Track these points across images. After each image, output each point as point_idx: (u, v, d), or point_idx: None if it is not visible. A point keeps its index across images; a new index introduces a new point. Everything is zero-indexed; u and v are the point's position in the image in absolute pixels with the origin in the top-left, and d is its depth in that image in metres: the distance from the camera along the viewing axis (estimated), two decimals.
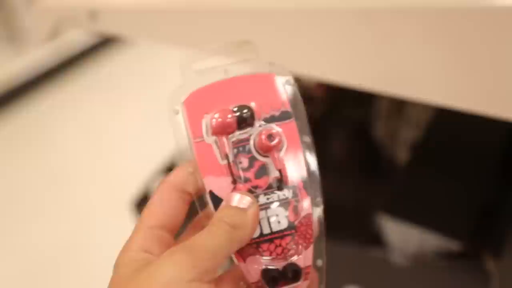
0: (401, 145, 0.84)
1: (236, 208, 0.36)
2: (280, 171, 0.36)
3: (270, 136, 0.36)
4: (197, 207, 0.38)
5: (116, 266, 0.36)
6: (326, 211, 0.86)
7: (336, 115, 0.93)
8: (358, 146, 0.91)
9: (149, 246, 0.36)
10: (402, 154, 0.83)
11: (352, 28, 0.53)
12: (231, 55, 0.39)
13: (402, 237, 0.65)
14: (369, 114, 0.89)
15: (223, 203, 0.36)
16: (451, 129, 0.77)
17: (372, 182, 0.84)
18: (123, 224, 0.38)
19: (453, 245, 0.64)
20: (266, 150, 0.37)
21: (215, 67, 0.39)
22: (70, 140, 1.71)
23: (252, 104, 0.37)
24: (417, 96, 0.54)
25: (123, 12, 0.62)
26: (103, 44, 2.03)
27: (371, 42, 0.53)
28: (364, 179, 0.86)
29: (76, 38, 1.95)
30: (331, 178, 0.89)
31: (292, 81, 0.39)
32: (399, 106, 0.87)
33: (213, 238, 0.34)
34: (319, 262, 0.38)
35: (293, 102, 0.38)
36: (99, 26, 0.62)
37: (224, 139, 0.37)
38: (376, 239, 0.68)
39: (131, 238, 0.37)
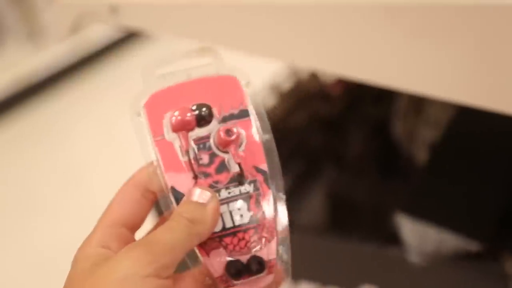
0: (419, 144, 0.84)
1: (196, 203, 0.36)
2: (239, 164, 0.37)
3: (229, 131, 0.37)
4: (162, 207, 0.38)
5: (74, 262, 0.36)
6: (342, 209, 0.85)
7: (354, 114, 0.93)
8: (376, 145, 0.90)
9: (108, 242, 0.36)
10: (420, 154, 0.83)
11: (374, 24, 0.53)
12: (193, 61, 0.40)
13: (420, 236, 0.65)
14: (387, 112, 0.89)
15: (183, 198, 0.36)
16: (470, 129, 0.76)
17: (390, 181, 0.84)
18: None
19: (471, 246, 0.63)
20: (225, 145, 0.37)
21: (177, 71, 0.40)
22: (89, 137, 1.72)
23: (211, 103, 0.38)
24: (438, 93, 0.53)
25: (144, 6, 0.62)
26: (124, 40, 2.04)
27: (392, 38, 0.53)
28: (381, 178, 0.86)
29: (96, 34, 1.96)
30: (348, 177, 0.89)
31: (251, 83, 0.40)
32: (418, 105, 0.86)
33: (171, 233, 0.35)
34: (285, 256, 0.38)
35: (253, 102, 0.39)
36: (120, 20, 0.63)
37: (184, 136, 0.37)
38: (393, 238, 0.67)
39: (90, 234, 0.37)
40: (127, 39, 2.04)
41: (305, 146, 0.90)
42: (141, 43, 2.05)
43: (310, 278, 0.67)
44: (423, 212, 0.65)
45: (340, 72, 0.60)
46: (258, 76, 1.05)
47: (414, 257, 0.65)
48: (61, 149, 1.70)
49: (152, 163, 0.38)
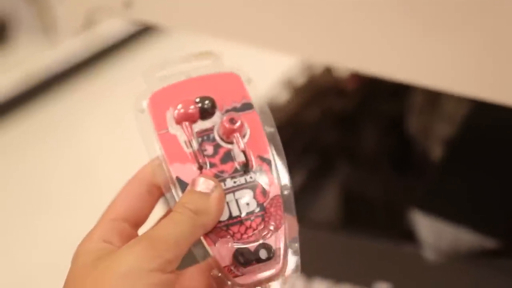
0: (434, 140, 0.83)
1: (199, 192, 0.36)
2: (244, 153, 0.37)
3: (232, 120, 0.37)
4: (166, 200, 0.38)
5: (75, 256, 0.35)
6: (356, 205, 0.85)
7: (368, 109, 0.92)
8: (390, 140, 0.90)
9: (110, 237, 0.36)
10: (435, 150, 0.82)
11: (389, 16, 0.52)
12: (193, 64, 0.41)
13: (435, 233, 0.64)
14: (402, 108, 0.88)
15: (187, 188, 0.36)
16: (486, 125, 0.75)
17: (404, 177, 0.83)
18: (152, 217, 0.38)
19: (487, 243, 0.63)
20: (229, 135, 0.38)
21: (178, 73, 0.40)
22: (102, 133, 1.72)
23: (214, 98, 0.39)
24: (454, 88, 0.53)
25: (158, 0, 0.62)
26: (137, 35, 2.04)
27: (408, 31, 0.53)
28: (396, 174, 0.85)
29: (109, 29, 1.96)
30: (362, 173, 0.88)
31: (252, 80, 0.40)
32: (433, 100, 0.85)
33: (175, 226, 0.34)
34: (293, 245, 0.38)
35: (255, 98, 0.39)
36: (134, 15, 0.62)
37: (187, 127, 0.38)
38: (407, 235, 0.67)
39: (92, 229, 0.37)
40: (140, 34, 2.04)
41: (319, 142, 0.90)
42: (155, 38, 2.04)
43: (324, 275, 0.66)
44: (438, 209, 0.64)
45: (355, 66, 0.60)
46: (272, 71, 1.05)
47: (429, 254, 0.64)
48: (74, 144, 1.70)
49: (156, 158, 0.38)
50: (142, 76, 0.40)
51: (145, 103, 0.39)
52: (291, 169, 0.85)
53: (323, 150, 0.89)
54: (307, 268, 0.67)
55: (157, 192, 0.38)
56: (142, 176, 0.38)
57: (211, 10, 0.60)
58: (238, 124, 0.37)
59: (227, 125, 0.37)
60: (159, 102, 0.39)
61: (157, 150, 0.38)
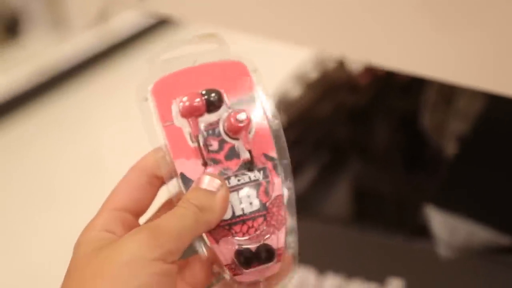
0: (448, 137, 0.82)
1: (205, 190, 0.36)
2: (250, 151, 0.37)
3: (239, 118, 0.37)
4: (167, 190, 0.38)
5: (77, 246, 0.35)
6: (368, 201, 0.84)
7: (381, 104, 0.91)
8: (403, 136, 0.89)
9: (112, 226, 0.36)
10: (449, 147, 0.81)
11: (404, 9, 0.52)
12: (198, 47, 0.40)
13: (450, 229, 0.64)
14: (415, 104, 0.87)
15: (192, 185, 0.36)
16: (500, 121, 0.75)
17: (417, 174, 0.83)
18: (152, 207, 0.39)
19: (502, 239, 0.62)
20: (235, 132, 0.37)
21: (182, 56, 0.39)
22: (114, 127, 1.72)
23: (220, 89, 0.38)
24: (469, 82, 0.52)
25: None
26: (150, 29, 2.04)
27: (423, 24, 0.52)
28: (408, 171, 0.84)
29: (121, 23, 1.96)
30: (374, 168, 0.88)
31: (258, 70, 0.39)
32: (447, 96, 0.85)
33: (178, 219, 0.34)
34: (293, 245, 0.38)
35: (261, 89, 0.39)
36: (148, 7, 0.62)
37: (193, 121, 0.37)
38: (420, 231, 0.66)
39: (94, 219, 0.37)
40: (152, 28, 2.04)
41: (331, 137, 0.89)
42: (167, 33, 2.04)
43: (336, 270, 0.66)
44: (452, 205, 0.64)
45: (369, 59, 0.60)
46: (285, 66, 1.05)
47: (443, 250, 0.64)
48: (86, 138, 1.71)
49: (160, 148, 0.37)
50: (146, 59, 0.39)
51: (149, 91, 0.38)
52: (303, 163, 0.85)
53: (335, 145, 0.89)
54: (319, 263, 0.67)
55: (158, 182, 0.38)
56: (143, 166, 0.38)
57: (226, 2, 0.60)
58: (244, 121, 0.37)
59: (234, 122, 0.37)
60: (163, 91, 0.38)
61: (161, 141, 0.37)
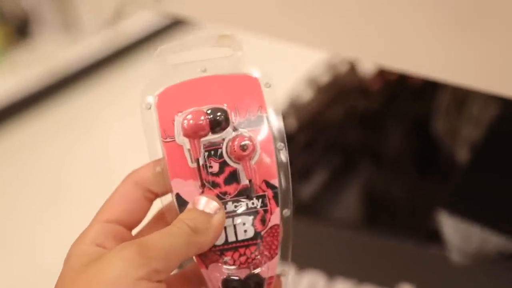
0: (461, 143, 0.81)
1: (201, 212, 0.35)
2: (250, 180, 0.36)
3: (243, 146, 0.35)
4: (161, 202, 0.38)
5: (66, 260, 0.35)
6: (379, 206, 0.84)
7: (392, 109, 0.91)
8: (415, 142, 0.88)
9: (103, 240, 0.35)
10: (462, 152, 0.81)
11: (420, 10, 0.51)
12: (211, 49, 0.38)
13: (462, 235, 0.63)
14: (427, 109, 0.87)
15: (188, 206, 0.35)
16: None
17: (430, 178, 0.82)
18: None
19: None
20: (238, 158, 0.36)
21: (193, 62, 0.37)
22: (125, 129, 1.72)
23: (226, 106, 0.36)
24: (485, 87, 0.52)
25: None
26: (161, 31, 2.04)
27: (439, 27, 0.52)
28: (420, 176, 0.84)
29: (132, 26, 1.96)
30: (385, 173, 0.87)
31: (271, 83, 0.37)
32: (460, 102, 0.84)
33: (169, 238, 0.33)
34: (284, 274, 0.38)
35: (272, 107, 0.37)
36: (164, 7, 0.62)
37: (195, 142, 0.36)
38: (432, 237, 0.65)
39: (85, 230, 0.36)
40: (164, 30, 2.04)
41: (342, 141, 0.89)
42: (179, 35, 2.04)
43: (346, 274, 0.65)
44: (466, 210, 0.63)
45: (383, 62, 0.59)
46: (296, 69, 1.04)
47: (455, 256, 0.63)
48: (95, 140, 1.71)
49: (158, 162, 0.36)
50: (155, 58, 0.37)
51: (153, 100, 0.37)
52: (314, 167, 0.84)
53: (346, 149, 0.88)
54: (329, 267, 0.67)
55: (153, 196, 0.37)
56: (140, 179, 0.37)
57: (241, 3, 0.59)
58: (248, 150, 0.35)
59: (237, 150, 0.35)
60: (167, 103, 0.37)
61: (159, 155, 0.36)
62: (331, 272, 0.66)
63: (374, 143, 0.88)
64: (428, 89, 0.88)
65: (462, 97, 0.84)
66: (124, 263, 0.32)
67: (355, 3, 0.54)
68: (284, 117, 0.89)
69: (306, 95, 0.94)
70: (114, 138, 1.71)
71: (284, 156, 0.37)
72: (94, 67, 1.91)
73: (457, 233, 0.63)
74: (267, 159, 0.36)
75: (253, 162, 0.36)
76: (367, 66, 0.97)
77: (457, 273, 0.62)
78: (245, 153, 0.35)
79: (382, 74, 0.94)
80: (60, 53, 1.87)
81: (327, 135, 0.89)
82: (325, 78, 0.95)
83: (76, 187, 1.53)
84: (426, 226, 0.68)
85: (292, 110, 0.90)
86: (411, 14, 0.52)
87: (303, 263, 0.67)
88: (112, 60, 1.94)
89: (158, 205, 0.38)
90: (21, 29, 1.87)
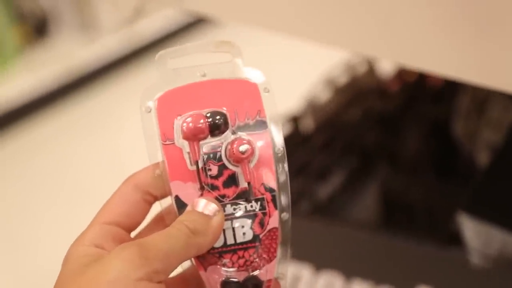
0: (481, 146, 0.81)
1: (200, 213, 0.35)
2: (249, 183, 0.36)
3: (242, 149, 0.36)
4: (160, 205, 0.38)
5: (65, 261, 0.35)
6: (397, 208, 0.83)
7: (411, 111, 0.90)
8: (434, 144, 0.88)
9: (102, 241, 0.35)
10: (482, 156, 0.80)
11: (441, 9, 0.51)
12: (210, 55, 0.39)
13: (483, 238, 0.62)
14: (446, 111, 0.86)
15: (188, 208, 0.36)
16: None
17: (449, 181, 0.81)
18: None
19: None
20: (236, 161, 0.36)
21: (193, 67, 0.38)
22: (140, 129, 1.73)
23: (225, 110, 0.37)
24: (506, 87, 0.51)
25: None
26: (178, 32, 2.04)
27: (463, 26, 0.51)
28: (440, 178, 0.83)
29: (149, 26, 1.97)
30: (403, 176, 0.86)
31: (269, 88, 0.38)
32: (480, 105, 0.83)
33: (168, 239, 0.34)
34: (283, 276, 0.38)
35: (270, 112, 0.37)
36: (185, 5, 0.62)
37: (195, 145, 0.36)
38: (453, 239, 0.65)
39: (84, 232, 0.36)
40: (182, 30, 2.04)
41: (359, 142, 0.88)
42: (196, 36, 2.04)
43: (363, 276, 0.65)
44: (486, 213, 0.62)
45: (403, 61, 0.59)
46: (314, 70, 1.04)
47: (475, 259, 0.62)
48: (112, 139, 1.71)
49: (157, 165, 0.37)
50: (155, 62, 0.38)
51: (153, 104, 0.37)
52: (331, 168, 0.84)
53: (364, 150, 0.88)
54: (346, 268, 0.66)
55: (153, 199, 0.38)
56: (139, 181, 0.37)
57: (262, 1, 0.59)
58: (246, 153, 0.36)
59: (236, 152, 0.36)
60: (167, 106, 0.37)
61: (159, 157, 0.37)
62: (348, 273, 0.65)
63: (392, 144, 0.87)
64: (447, 91, 0.87)
65: (482, 99, 0.83)
66: (124, 263, 0.32)
67: (375, 0, 0.54)
68: (302, 117, 0.90)
69: (324, 96, 0.93)
70: (131, 137, 1.71)
71: (282, 160, 0.37)
72: (111, 66, 1.92)
73: (478, 236, 0.62)
74: (265, 163, 0.37)
75: (251, 165, 0.36)
76: (386, 68, 0.96)
77: (477, 276, 0.61)
78: (244, 156, 0.36)
79: (401, 75, 0.93)
80: (78, 52, 1.88)
81: (345, 136, 0.88)
82: (343, 79, 0.95)
83: (92, 186, 1.53)
84: (445, 228, 0.67)
85: (310, 110, 0.89)
86: (431, 12, 0.52)
87: (320, 263, 0.66)
88: (130, 59, 1.95)
89: (157, 208, 0.39)
90: (40, 28, 1.88)
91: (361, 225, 0.74)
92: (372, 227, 0.75)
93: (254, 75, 0.38)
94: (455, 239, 0.64)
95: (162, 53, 0.38)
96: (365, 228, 0.72)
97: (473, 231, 0.62)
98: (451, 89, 0.86)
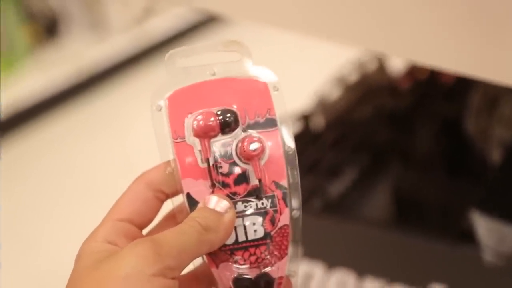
0: (493, 144, 0.80)
1: (212, 210, 0.35)
2: (260, 180, 0.36)
3: (253, 145, 0.36)
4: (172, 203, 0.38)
5: (78, 257, 0.35)
6: (409, 205, 0.83)
7: (422, 109, 0.90)
8: (445, 142, 0.87)
9: (114, 237, 0.36)
10: (494, 153, 0.79)
11: (453, 6, 0.51)
12: (219, 54, 0.39)
13: (496, 236, 0.62)
14: (458, 109, 0.86)
15: (199, 205, 0.36)
16: None
17: (461, 179, 0.81)
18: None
19: None
20: (247, 158, 0.36)
21: (202, 66, 0.38)
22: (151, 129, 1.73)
23: (235, 108, 0.37)
24: None
25: None
26: (188, 31, 2.04)
27: (474, 24, 0.51)
28: (451, 176, 0.83)
29: (159, 25, 1.97)
30: (415, 173, 0.86)
31: (279, 86, 0.38)
32: (492, 102, 0.83)
33: (181, 235, 0.34)
34: (294, 274, 0.38)
35: (280, 110, 0.38)
36: (195, 3, 0.62)
37: (205, 142, 0.36)
38: (465, 237, 0.64)
39: (96, 229, 0.36)
40: (192, 30, 2.04)
41: (370, 140, 0.88)
42: (207, 35, 2.04)
43: (375, 274, 0.65)
44: (499, 211, 0.62)
45: (414, 58, 0.58)
46: (325, 67, 1.04)
47: (489, 257, 0.62)
48: (123, 139, 1.72)
49: (169, 163, 0.37)
50: (165, 62, 0.38)
51: (163, 102, 0.38)
52: (342, 166, 0.84)
53: (375, 148, 0.87)
54: (359, 266, 0.66)
55: (164, 197, 0.38)
56: (151, 179, 0.38)
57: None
58: (258, 150, 0.36)
59: (246, 149, 0.36)
60: (178, 104, 0.37)
61: (171, 155, 0.37)
62: (361, 271, 0.65)
63: (403, 142, 0.87)
64: (459, 88, 0.87)
65: (494, 97, 0.82)
66: (138, 259, 0.32)
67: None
68: (312, 115, 0.90)
69: (335, 93, 0.93)
70: (141, 136, 1.71)
71: (293, 157, 0.37)
72: (121, 65, 1.92)
73: (491, 234, 0.62)
74: (276, 160, 0.37)
75: (262, 162, 0.37)
76: (397, 65, 0.96)
77: (491, 274, 0.61)
78: (254, 154, 0.36)
79: (412, 72, 0.93)
80: (87, 52, 1.88)
81: (356, 134, 0.88)
82: (353, 77, 0.94)
83: (102, 185, 1.53)
84: (457, 226, 0.67)
85: (320, 108, 0.89)
86: (442, 8, 0.51)
87: (332, 261, 0.66)
88: (140, 59, 1.95)
89: (168, 205, 0.39)
90: (50, 28, 1.89)
91: (373, 223, 0.74)
92: (384, 225, 0.75)
93: (263, 73, 0.39)
94: (468, 237, 0.64)
95: (171, 53, 0.38)
96: (377, 226, 0.72)
97: (486, 228, 0.62)
98: (462, 86, 0.85)
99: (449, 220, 0.71)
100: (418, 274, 0.64)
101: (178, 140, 0.37)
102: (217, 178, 0.36)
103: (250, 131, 0.37)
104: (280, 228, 0.37)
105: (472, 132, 0.83)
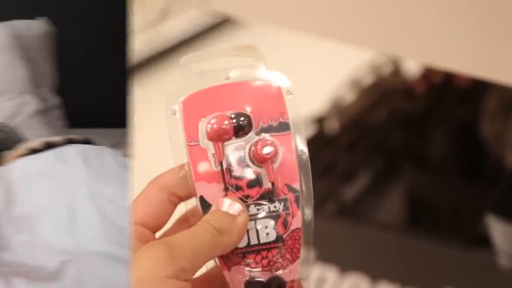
0: (509, 147, 0.80)
1: (225, 213, 0.35)
2: (272, 183, 0.36)
3: (266, 149, 0.36)
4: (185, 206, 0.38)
5: None
6: (423, 209, 0.82)
7: (437, 112, 0.89)
8: (461, 146, 0.87)
9: None
10: (510, 157, 0.79)
11: (467, 11, 0.50)
12: (233, 59, 0.39)
13: (511, 240, 0.61)
14: (475, 112, 0.85)
15: (213, 207, 0.36)
16: None
17: (476, 183, 0.80)
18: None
19: None
20: (260, 161, 0.36)
21: (216, 70, 0.38)
22: (164, 131, 1.73)
23: (249, 111, 0.37)
24: None
25: None
26: (204, 33, 2.04)
27: (489, 27, 0.50)
28: (467, 180, 0.82)
29: (173, 28, 1.98)
30: (429, 177, 0.85)
31: (292, 90, 0.38)
32: (507, 105, 0.82)
33: (195, 238, 0.34)
34: (306, 278, 0.38)
35: (293, 114, 0.38)
36: (212, 6, 0.62)
37: (219, 145, 0.36)
38: (480, 241, 0.64)
39: None
40: (203, 34, 2.05)
41: (385, 143, 0.88)
42: (221, 38, 2.04)
43: (389, 278, 0.64)
44: None
45: (431, 61, 0.58)
46: (339, 70, 1.03)
47: (504, 261, 0.61)
48: (137, 141, 1.72)
49: (182, 167, 0.37)
50: (180, 66, 0.38)
51: (178, 106, 0.38)
52: (356, 169, 0.83)
53: (389, 152, 0.87)
54: (373, 270, 0.65)
55: (178, 200, 0.38)
56: (164, 183, 0.38)
57: (288, 2, 0.59)
58: (271, 153, 0.36)
59: (259, 152, 0.36)
60: (192, 108, 0.37)
61: (185, 159, 0.37)
62: (374, 275, 0.65)
63: (418, 146, 0.86)
64: (474, 92, 0.86)
65: (509, 100, 0.82)
66: (152, 261, 0.32)
67: (402, 1, 0.53)
68: (326, 118, 0.89)
69: (349, 97, 0.93)
70: (156, 138, 1.72)
71: (305, 160, 0.37)
72: (137, 68, 1.93)
73: (506, 238, 0.61)
74: (288, 163, 0.37)
75: (275, 166, 0.37)
76: (411, 68, 0.96)
77: (506, 279, 0.61)
78: (267, 157, 0.36)
79: (427, 76, 0.92)
80: None
81: (370, 138, 0.87)
82: (368, 80, 0.94)
83: None
84: (472, 230, 0.66)
85: (335, 111, 0.89)
86: (458, 12, 0.51)
87: (345, 265, 0.66)
88: (155, 61, 1.96)
89: (181, 209, 0.39)
90: None
91: (387, 227, 0.73)
92: (398, 229, 0.75)
93: (277, 78, 0.39)
94: (483, 241, 0.64)
95: (186, 57, 0.39)
96: (391, 230, 0.71)
97: (501, 232, 0.62)
98: (478, 89, 0.85)
99: (464, 224, 0.71)
100: (432, 278, 0.63)
101: (192, 143, 0.37)
102: (230, 181, 0.36)
103: (263, 135, 0.37)
104: (292, 231, 0.37)
105: (487, 135, 0.82)
